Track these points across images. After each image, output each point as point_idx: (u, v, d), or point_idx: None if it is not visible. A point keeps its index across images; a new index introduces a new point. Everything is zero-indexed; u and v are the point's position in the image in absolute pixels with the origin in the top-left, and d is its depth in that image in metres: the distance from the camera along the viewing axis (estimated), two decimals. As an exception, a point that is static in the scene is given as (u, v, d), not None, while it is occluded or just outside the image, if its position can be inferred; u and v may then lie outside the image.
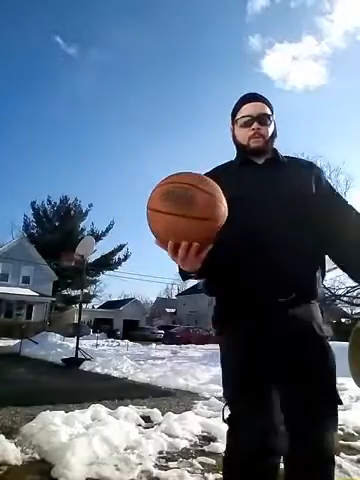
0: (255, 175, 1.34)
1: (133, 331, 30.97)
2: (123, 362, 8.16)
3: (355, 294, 16.36)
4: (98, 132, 77.44)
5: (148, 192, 1.07)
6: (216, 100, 79.26)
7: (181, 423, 3.33)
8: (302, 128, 66.98)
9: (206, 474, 2.36)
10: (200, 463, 2.55)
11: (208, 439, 3.10)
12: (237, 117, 1.37)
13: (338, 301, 17.43)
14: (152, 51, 74.78)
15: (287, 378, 1.21)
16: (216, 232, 1.04)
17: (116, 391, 5.07)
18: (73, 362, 8.48)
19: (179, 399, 4.87)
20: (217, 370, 7.23)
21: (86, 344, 14.16)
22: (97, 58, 66.39)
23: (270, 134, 1.35)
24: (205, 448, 2.88)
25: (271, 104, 1.38)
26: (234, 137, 1.41)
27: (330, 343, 1.28)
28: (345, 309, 22.69)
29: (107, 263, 35.41)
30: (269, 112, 1.35)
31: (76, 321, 17.42)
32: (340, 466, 2.44)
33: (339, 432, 3.07)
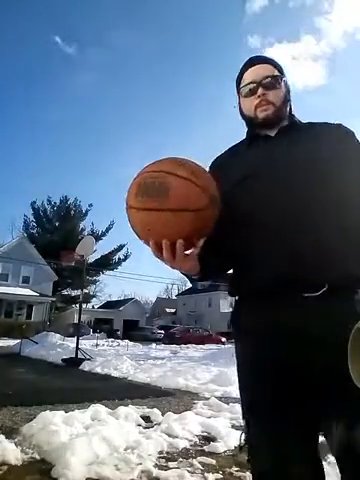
0: (266, 149, 1.10)
1: (133, 331, 30.94)
2: (123, 362, 8.15)
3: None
4: (98, 132, 77.60)
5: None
6: (216, 100, 79.34)
7: (181, 423, 3.33)
8: (302, 128, 66.73)
9: (206, 474, 2.36)
10: (200, 463, 2.55)
11: (208, 439, 3.11)
12: (241, 86, 1.16)
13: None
14: (152, 51, 74.82)
15: (320, 404, 0.93)
16: (204, 224, 0.90)
17: (116, 391, 5.07)
18: (73, 362, 8.49)
19: (179, 399, 4.87)
20: (217, 370, 7.24)
21: (86, 344, 14.15)
22: (96, 58, 66.51)
23: (281, 99, 1.12)
24: (205, 448, 2.88)
25: (279, 65, 1.16)
26: (241, 110, 1.19)
27: None
28: None
29: (107, 263, 35.42)
30: (275, 73, 1.12)
31: (76, 321, 17.42)
32: None
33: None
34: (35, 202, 34.87)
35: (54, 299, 28.55)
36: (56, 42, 65.10)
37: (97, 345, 16.79)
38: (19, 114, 68.12)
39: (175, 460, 2.61)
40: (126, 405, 3.97)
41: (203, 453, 2.78)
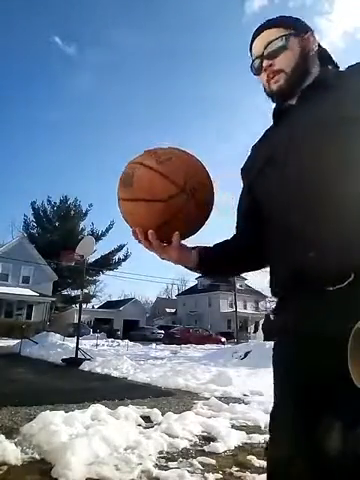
0: (287, 124, 0.96)
1: (133, 331, 30.98)
2: (123, 362, 8.15)
3: None
4: (98, 132, 77.58)
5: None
6: (216, 100, 79.35)
7: (181, 423, 3.33)
8: (302, 128, 66.78)
9: (206, 474, 2.36)
10: (200, 463, 2.55)
11: (208, 439, 3.11)
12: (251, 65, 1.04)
13: None
14: (151, 51, 74.81)
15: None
16: (173, 214, 0.87)
17: (116, 391, 5.07)
18: (73, 362, 8.49)
19: (179, 399, 4.86)
20: (217, 370, 7.25)
21: (86, 344, 14.17)
22: (96, 58, 66.50)
23: (294, 60, 0.95)
24: (205, 448, 2.88)
25: (289, 19, 1.01)
26: (264, 89, 1.04)
27: None
28: None
29: (107, 263, 35.47)
30: (279, 34, 0.96)
31: (76, 321, 17.41)
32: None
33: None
34: (35, 202, 35.02)
35: (54, 299, 28.56)
36: (55, 42, 65.15)
37: (97, 345, 16.81)
38: (19, 114, 68.23)
39: (175, 460, 2.61)
40: (126, 405, 3.97)
41: (203, 453, 2.78)
